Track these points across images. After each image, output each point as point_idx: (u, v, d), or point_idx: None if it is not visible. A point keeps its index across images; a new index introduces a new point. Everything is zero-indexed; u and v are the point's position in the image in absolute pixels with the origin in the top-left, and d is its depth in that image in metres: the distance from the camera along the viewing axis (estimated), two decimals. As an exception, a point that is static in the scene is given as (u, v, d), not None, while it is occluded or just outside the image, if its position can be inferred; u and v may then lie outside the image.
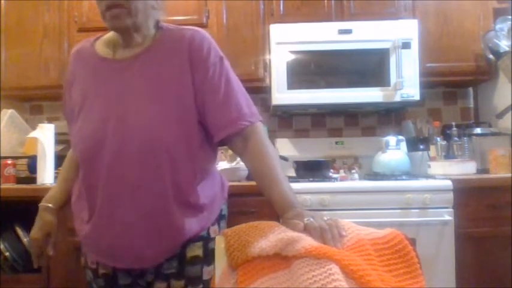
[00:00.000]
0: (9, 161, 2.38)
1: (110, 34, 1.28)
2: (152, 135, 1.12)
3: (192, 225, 1.18)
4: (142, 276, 1.21)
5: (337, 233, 0.86)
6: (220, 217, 1.33)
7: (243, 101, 1.22)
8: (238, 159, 2.47)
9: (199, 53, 1.19)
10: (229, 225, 1.07)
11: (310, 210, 2.22)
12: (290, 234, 0.83)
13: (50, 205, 1.30)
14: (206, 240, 1.23)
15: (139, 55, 1.21)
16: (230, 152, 2.53)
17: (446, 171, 2.38)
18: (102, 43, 1.28)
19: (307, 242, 0.80)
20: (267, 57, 2.60)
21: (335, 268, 0.74)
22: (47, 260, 1.35)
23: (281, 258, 0.81)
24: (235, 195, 2.24)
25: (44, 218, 1.29)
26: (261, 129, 1.21)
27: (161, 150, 1.12)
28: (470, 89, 3.00)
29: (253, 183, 2.40)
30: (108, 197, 1.14)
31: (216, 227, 1.28)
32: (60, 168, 2.45)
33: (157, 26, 1.26)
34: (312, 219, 0.90)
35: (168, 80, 1.17)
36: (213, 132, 1.20)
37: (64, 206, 1.34)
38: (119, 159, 1.12)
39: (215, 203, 1.29)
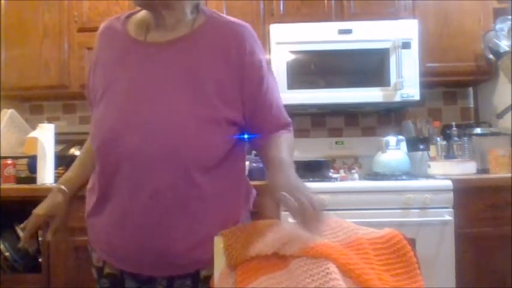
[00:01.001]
0: (9, 161, 2.39)
1: (143, 13, 1.12)
2: (180, 141, 1.00)
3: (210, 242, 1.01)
4: (150, 284, 1.09)
5: (317, 217, 0.87)
6: None
7: (283, 107, 1.20)
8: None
9: (252, 58, 1.08)
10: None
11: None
12: (288, 233, 0.83)
13: (63, 187, 1.18)
14: None
15: (176, 42, 1.07)
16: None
17: (446, 171, 2.38)
18: (134, 22, 1.13)
19: (303, 242, 0.80)
20: (267, 57, 2.60)
21: (332, 267, 0.74)
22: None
23: (279, 258, 0.81)
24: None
25: (54, 198, 1.17)
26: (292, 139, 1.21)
27: (188, 159, 1.00)
28: (471, 89, 3.00)
29: (253, 183, 2.41)
30: (122, 197, 1.04)
31: None
32: (60, 168, 2.46)
33: (198, 10, 1.11)
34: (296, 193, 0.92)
35: (210, 79, 1.03)
36: (259, 133, 1.15)
37: (78, 191, 1.22)
38: (137, 161, 1.00)
39: (238, 216, 1.15)
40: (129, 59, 1.08)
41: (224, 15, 1.14)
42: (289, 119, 1.20)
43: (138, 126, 1.01)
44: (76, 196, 1.22)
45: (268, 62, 1.23)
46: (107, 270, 1.13)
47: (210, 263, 0.97)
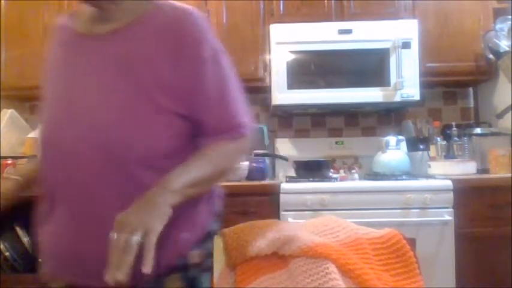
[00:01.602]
0: (9, 161, 2.38)
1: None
2: (115, 136, 0.93)
3: (161, 252, 0.85)
4: None
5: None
6: (207, 236, 1.04)
7: (240, 106, 1.04)
8: (238, 159, 2.46)
9: (190, 42, 0.99)
10: (229, 226, 1.07)
11: (310, 210, 2.23)
12: (287, 233, 0.83)
13: (14, 176, 1.13)
14: (184, 269, 0.98)
15: (117, 32, 1.01)
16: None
17: (446, 171, 2.38)
18: (83, 16, 1.08)
19: (303, 241, 0.80)
20: (267, 57, 2.60)
21: (332, 267, 0.74)
22: None
23: (278, 258, 0.81)
24: (236, 195, 2.26)
25: (3, 184, 1.10)
26: (242, 145, 1.03)
27: (127, 156, 0.93)
28: (470, 89, 3.00)
29: (253, 183, 2.43)
30: (63, 201, 0.97)
31: (198, 250, 1.01)
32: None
33: None
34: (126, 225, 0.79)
35: (148, 68, 0.96)
36: (202, 135, 1.02)
37: (31, 184, 1.15)
38: (74, 160, 0.94)
39: (197, 221, 1.03)
40: (71, 53, 1.05)
41: (175, 2, 1.05)
42: (245, 120, 1.04)
43: (72, 123, 0.96)
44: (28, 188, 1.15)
45: (219, 53, 1.05)
46: (52, 285, 1.04)
47: (171, 269, 0.93)
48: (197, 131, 1.01)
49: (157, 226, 0.81)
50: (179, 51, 0.97)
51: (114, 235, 0.79)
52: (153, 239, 0.79)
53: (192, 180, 0.92)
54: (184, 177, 0.91)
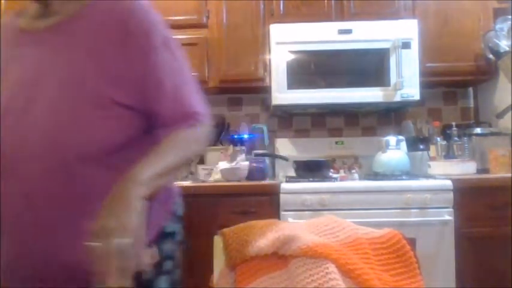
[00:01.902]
0: None
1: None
2: (56, 131, 0.89)
3: None
4: None
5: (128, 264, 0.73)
6: (163, 236, 1.02)
7: (194, 96, 1.01)
8: (239, 158, 2.47)
9: (139, 32, 0.95)
10: (229, 226, 1.06)
11: (310, 210, 2.23)
12: (287, 233, 0.83)
13: None
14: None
15: (59, 26, 0.97)
16: (230, 151, 2.53)
17: (446, 171, 2.38)
18: (29, 13, 1.05)
19: (303, 241, 0.80)
20: (267, 57, 2.60)
21: (332, 267, 0.74)
22: None
23: (278, 258, 0.81)
24: (236, 195, 2.26)
25: None
26: (201, 132, 1.00)
27: (68, 151, 0.89)
28: (471, 89, 3.00)
29: (253, 183, 2.43)
30: (4, 204, 0.90)
31: (152, 250, 0.90)
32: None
33: None
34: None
35: (91, 58, 0.93)
36: (159, 126, 0.98)
37: None
38: (16, 161, 0.89)
39: (150, 221, 0.92)
40: (14, 50, 1.01)
41: None
42: (200, 109, 1.00)
43: (15, 123, 0.91)
44: None
45: (169, 40, 1.00)
46: None
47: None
48: (153, 122, 0.98)
49: (136, 223, 0.79)
50: (127, 42, 0.94)
51: (98, 244, 0.75)
52: (137, 238, 0.77)
53: (158, 171, 0.89)
54: (149, 168, 0.88)
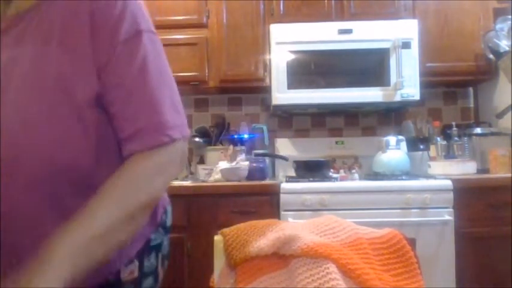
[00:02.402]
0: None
1: None
2: (21, 140, 0.74)
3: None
4: None
5: None
6: (147, 250, 0.90)
7: (164, 101, 0.80)
8: (239, 158, 2.47)
9: (105, 19, 0.78)
10: (229, 226, 1.06)
11: (310, 210, 2.23)
12: (288, 232, 0.83)
13: None
14: (115, 287, 0.83)
15: (23, 16, 0.82)
16: (230, 151, 2.53)
17: (446, 171, 2.38)
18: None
19: (303, 241, 0.80)
20: (267, 57, 2.60)
21: (332, 267, 0.74)
22: None
23: (279, 258, 0.81)
24: (236, 195, 2.26)
25: None
26: (170, 156, 0.79)
27: (35, 162, 0.74)
28: (471, 89, 3.00)
29: (253, 183, 2.43)
30: None
31: (133, 265, 0.85)
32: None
33: None
34: None
35: (56, 56, 0.77)
36: (119, 142, 0.80)
37: None
38: None
39: (139, 236, 0.85)
40: None
41: None
42: (174, 120, 0.80)
43: None
44: None
45: (142, 33, 0.81)
46: None
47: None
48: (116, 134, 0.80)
49: None
50: (95, 32, 0.78)
51: None
52: None
53: (96, 232, 0.67)
54: (80, 233, 0.66)
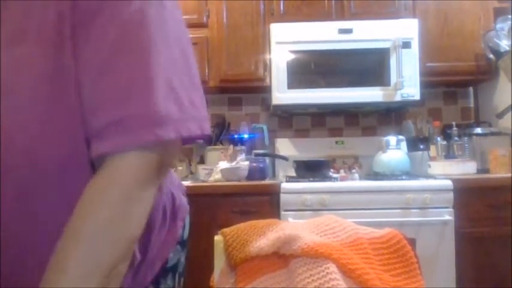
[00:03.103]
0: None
1: None
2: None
3: None
4: None
5: None
6: (164, 272, 0.77)
7: (161, 82, 0.57)
8: (239, 158, 2.47)
9: None
10: (229, 226, 1.06)
11: (310, 210, 2.23)
12: (288, 232, 0.83)
13: None
14: None
15: None
16: (230, 151, 2.53)
17: (446, 171, 2.38)
18: None
19: (304, 241, 0.80)
20: (267, 56, 2.60)
21: (332, 267, 0.74)
22: None
23: (279, 257, 0.81)
24: (236, 195, 2.26)
25: None
26: (166, 160, 0.60)
27: (18, 158, 0.58)
28: (471, 89, 3.00)
29: (253, 182, 2.42)
30: None
31: None
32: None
33: None
34: None
35: (37, 28, 0.58)
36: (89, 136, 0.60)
37: None
38: None
39: (150, 256, 0.70)
40: None
41: None
42: (168, 109, 0.57)
43: None
44: None
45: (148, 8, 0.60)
46: None
47: None
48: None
49: None
50: None
51: None
52: None
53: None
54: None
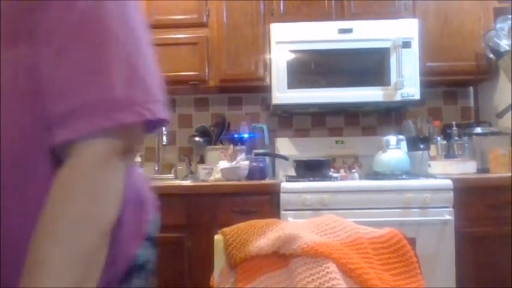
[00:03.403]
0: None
1: None
2: None
3: None
4: None
5: None
6: (130, 272, 0.71)
7: (116, 66, 0.56)
8: (239, 158, 2.47)
9: None
10: (229, 225, 1.06)
11: (310, 210, 2.23)
12: (288, 232, 0.83)
13: None
14: None
15: None
16: (230, 150, 2.53)
17: (446, 170, 2.38)
18: None
19: (304, 240, 0.80)
20: (267, 56, 2.60)
21: (332, 267, 0.74)
22: None
23: (279, 257, 0.81)
24: (236, 194, 2.26)
25: None
26: (128, 144, 0.59)
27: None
28: (471, 89, 3.00)
29: (253, 182, 2.43)
30: None
31: None
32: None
33: None
34: None
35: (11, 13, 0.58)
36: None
37: None
38: None
39: (116, 252, 0.64)
40: None
41: None
42: (123, 93, 0.56)
43: None
44: None
45: None
46: None
47: None
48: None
49: None
50: None
51: None
52: None
53: None
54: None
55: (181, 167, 2.90)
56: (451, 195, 2.17)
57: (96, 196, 0.54)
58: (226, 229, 0.92)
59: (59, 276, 0.51)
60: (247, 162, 2.45)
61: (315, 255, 0.77)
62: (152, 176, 2.85)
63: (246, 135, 2.78)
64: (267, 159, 2.68)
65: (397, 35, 2.49)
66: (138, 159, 2.86)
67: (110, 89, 0.55)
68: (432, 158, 2.56)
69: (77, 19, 0.56)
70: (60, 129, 0.55)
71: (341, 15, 2.63)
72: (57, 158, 0.57)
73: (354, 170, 2.55)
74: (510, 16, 2.54)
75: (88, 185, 0.54)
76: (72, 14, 0.56)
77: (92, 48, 0.56)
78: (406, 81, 2.48)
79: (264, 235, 0.85)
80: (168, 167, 2.94)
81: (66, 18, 0.56)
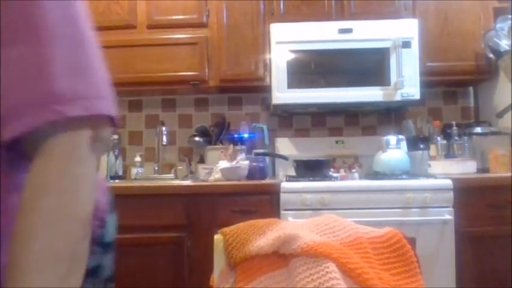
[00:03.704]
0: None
1: None
2: None
3: None
4: None
5: None
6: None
7: (57, 58, 0.56)
8: (239, 158, 2.47)
9: None
10: (229, 225, 1.06)
11: (310, 209, 2.24)
12: (288, 232, 0.83)
13: None
14: None
15: None
16: (230, 150, 2.53)
17: (446, 170, 2.38)
18: None
19: (303, 240, 0.80)
20: (267, 56, 2.60)
21: (332, 266, 0.74)
22: None
23: (279, 257, 0.81)
24: (236, 194, 2.26)
25: None
26: (75, 141, 0.56)
27: None
28: (471, 88, 3.00)
29: (253, 182, 2.43)
30: None
31: None
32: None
33: None
34: None
35: None
36: None
37: None
38: None
39: None
40: None
41: None
42: (73, 90, 0.56)
43: None
44: None
45: None
46: None
47: None
48: None
49: None
50: None
51: None
52: None
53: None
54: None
55: (181, 167, 2.90)
56: (451, 195, 2.17)
57: (68, 188, 0.54)
58: (226, 229, 0.92)
59: (43, 271, 0.50)
60: (247, 162, 2.45)
61: (314, 255, 0.77)
62: (152, 176, 2.85)
63: (246, 135, 2.78)
64: (267, 159, 2.68)
65: (397, 35, 2.49)
66: (138, 159, 2.86)
67: (54, 83, 0.54)
68: (432, 158, 2.56)
69: (19, 17, 0.56)
70: (6, 126, 0.54)
71: (341, 15, 2.63)
72: (8, 154, 0.57)
73: (354, 170, 2.55)
74: (510, 16, 2.54)
75: (60, 178, 0.54)
76: (14, 12, 0.56)
77: (33, 45, 0.55)
78: (406, 81, 2.48)
79: (264, 235, 0.85)
80: (168, 167, 2.94)
81: (10, 17, 0.55)
